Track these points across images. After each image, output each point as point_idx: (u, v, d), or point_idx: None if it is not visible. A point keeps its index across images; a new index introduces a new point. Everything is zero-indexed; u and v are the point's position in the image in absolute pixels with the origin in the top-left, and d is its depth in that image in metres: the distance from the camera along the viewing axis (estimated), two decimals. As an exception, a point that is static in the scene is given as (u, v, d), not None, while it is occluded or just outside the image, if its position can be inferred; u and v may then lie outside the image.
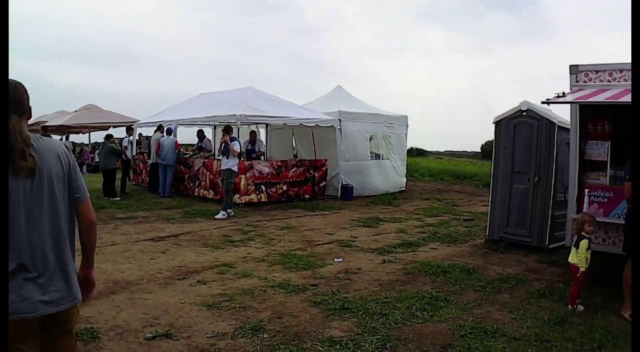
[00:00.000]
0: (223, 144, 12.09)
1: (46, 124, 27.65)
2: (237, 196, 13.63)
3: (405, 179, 19.41)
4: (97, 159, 25.84)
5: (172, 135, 15.91)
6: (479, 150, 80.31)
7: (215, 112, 15.56)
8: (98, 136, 35.96)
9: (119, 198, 14.88)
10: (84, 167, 26.38)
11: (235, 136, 12.41)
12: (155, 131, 16.77)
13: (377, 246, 9.28)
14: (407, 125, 19.10)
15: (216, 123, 17.55)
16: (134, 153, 19.16)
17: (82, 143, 33.27)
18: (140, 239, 9.28)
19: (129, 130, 17.16)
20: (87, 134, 30.34)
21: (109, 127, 27.20)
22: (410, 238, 10.10)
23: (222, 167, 12.25)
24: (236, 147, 11.99)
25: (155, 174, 16.13)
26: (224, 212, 11.93)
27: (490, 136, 10.17)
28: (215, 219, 11.73)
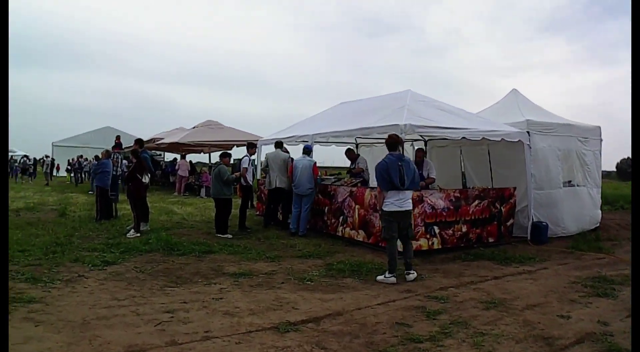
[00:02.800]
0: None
1: (162, 141, 25.53)
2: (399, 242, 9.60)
3: (600, 211, 14.60)
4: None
5: (309, 155, 12.35)
6: (614, 169, 72.26)
7: (366, 122, 11.68)
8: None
9: (229, 236, 11.37)
10: (202, 190, 23.52)
11: (399, 154, 8.24)
12: (276, 148, 13.35)
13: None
14: (601, 140, 14.40)
15: (360, 139, 13.90)
16: (258, 176, 15.65)
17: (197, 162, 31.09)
18: (255, 328, 5.36)
19: (251, 147, 13.48)
20: (208, 154, 27.75)
21: (232, 146, 24.70)
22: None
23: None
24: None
25: (274, 202, 12.82)
26: (391, 275, 7.84)
27: (626, 153, 5.81)
28: (378, 281, 7.73)
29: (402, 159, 7.90)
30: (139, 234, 10.87)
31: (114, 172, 17.20)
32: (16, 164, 36.77)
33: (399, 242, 8.08)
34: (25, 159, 38.43)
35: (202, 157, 32.60)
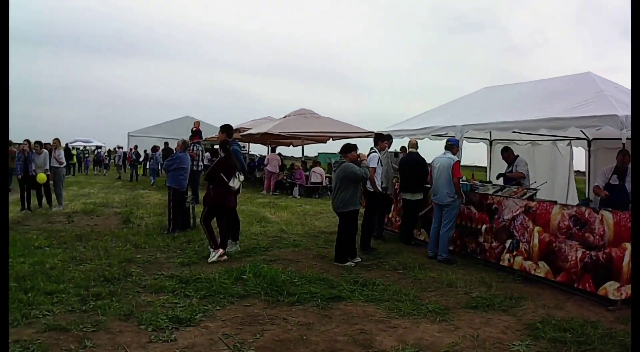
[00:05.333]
0: None
1: (248, 131, 23.22)
2: (611, 286, 6.68)
3: None
4: (315, 180, 20.34)
5: (452, 151, 9.42)
6: None
7: (548, 111, 8.98)
8: (314, 150, 31.13)
9: (352, 264, 8.54)
10: (295, 189, 21.03)
11: None
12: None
13: None
14: None
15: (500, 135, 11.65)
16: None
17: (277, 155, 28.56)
18: None
19: (381, 140, 10.19)
20: (300, 146, 25.01)
21: (327, 138, 22.04)
22: None
23: None
24: None
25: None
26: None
27: None
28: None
29: None
30: (225, 257, 8.19)
31: (195, 168, 15.25)
32: (87, 155, 35.17)
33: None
34: (98, 150, 37.05)
35: (290, 151, 30.17)
